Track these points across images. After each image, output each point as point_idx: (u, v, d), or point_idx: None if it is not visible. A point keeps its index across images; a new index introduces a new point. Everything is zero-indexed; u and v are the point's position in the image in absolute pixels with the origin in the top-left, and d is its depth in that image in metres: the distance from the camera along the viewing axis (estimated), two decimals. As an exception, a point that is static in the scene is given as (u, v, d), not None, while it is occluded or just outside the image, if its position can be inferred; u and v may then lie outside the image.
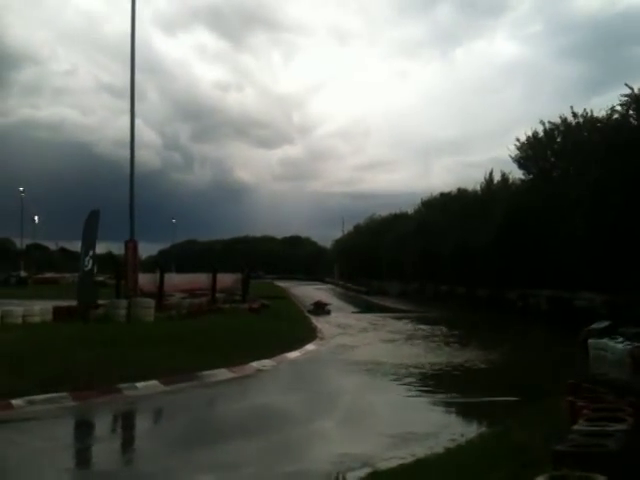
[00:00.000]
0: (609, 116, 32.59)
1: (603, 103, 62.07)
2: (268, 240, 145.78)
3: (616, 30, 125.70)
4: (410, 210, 69.93)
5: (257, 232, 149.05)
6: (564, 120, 36.39)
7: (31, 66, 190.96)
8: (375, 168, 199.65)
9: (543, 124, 37.63)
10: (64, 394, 12.27)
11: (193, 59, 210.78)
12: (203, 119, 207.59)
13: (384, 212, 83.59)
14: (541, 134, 38.05)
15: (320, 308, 39.52)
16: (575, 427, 6.62)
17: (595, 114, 34.29)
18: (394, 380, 16.35)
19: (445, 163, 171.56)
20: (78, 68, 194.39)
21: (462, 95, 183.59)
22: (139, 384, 13.63)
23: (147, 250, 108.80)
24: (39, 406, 11.68)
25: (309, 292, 58.88)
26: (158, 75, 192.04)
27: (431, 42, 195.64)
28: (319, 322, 32.44)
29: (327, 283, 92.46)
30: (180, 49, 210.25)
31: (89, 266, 24.89)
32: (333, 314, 38.95)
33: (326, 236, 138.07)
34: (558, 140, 37.25)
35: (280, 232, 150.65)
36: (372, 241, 74.36)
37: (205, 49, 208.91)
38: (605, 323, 22.28)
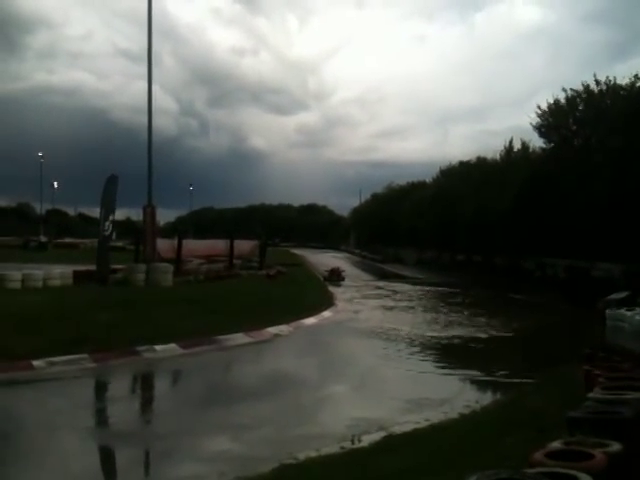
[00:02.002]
0: (632, 84, 32.02)
1: (627, 70, 60.97)
2: (285, 208, 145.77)
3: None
4: (428, 179, 69.62)
5: (274, 200, 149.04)
6: (586, 87, 35.73)
7: (45, 30, 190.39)
8: (392, 136, 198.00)
9: (565, 91, 37.00)
10: (84, 355, 12.46)
11: (208, 23, 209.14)
12: (218, 84, 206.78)
13: (401, 181, 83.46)
14: (563, 101, 37.42)
15: (335, 275, 39.62)
16: (591, 395, 6.63)
17: (618, 81, 33.74)
18: (409, 347, 16.43)
19: (463, 131, 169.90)
20: (93, 32, 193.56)
21: (482, 61, 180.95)
22: (158, 347, 13.80)
23: (165, 217, 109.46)
24: (59, 367, 11.86)
25: (325, 260, 59.00)
26: (173, 40, 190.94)
27: (450, 5, 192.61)
28: (335, 289, 32.60)
29: (343, 251, 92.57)
30: (195, 13, 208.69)
31: (109, 231, 25.04)
32: (349, 282, 39.06)
33: (342, 204, 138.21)
34: (580, 108, 36.64)
35: (297, 200, 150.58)
36: (389, 210, 74.12)
37: (220, 12, 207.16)
38: (623, 294, 22.16)
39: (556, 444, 4.76)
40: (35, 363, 11.74)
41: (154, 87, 28.09)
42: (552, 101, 38.05)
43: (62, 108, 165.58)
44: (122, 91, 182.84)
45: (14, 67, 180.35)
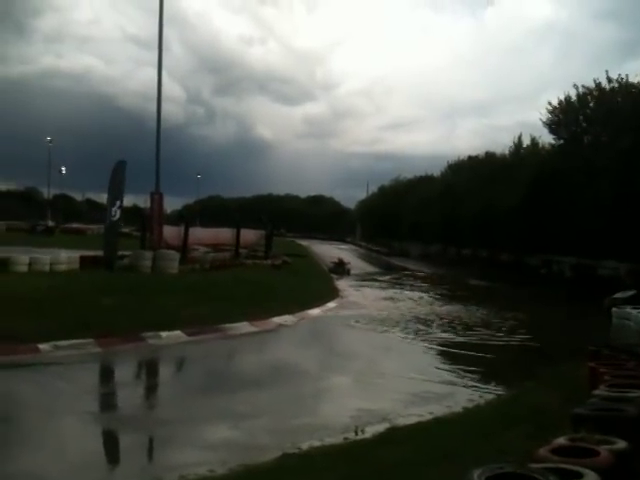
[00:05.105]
0: (644, 82, 31.80)
1: (638, 68, 60.50)
2: (291, 198, 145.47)
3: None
4: (435, 172, 69.47)
5: (280, 190, 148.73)
6: (598, 84, 35.50)
7: (53, 14, 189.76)
8: (399, 128, 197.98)
9: (576, 88, 36.78)
10: (89, 340, 12.51)
11: (216, 11, 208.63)
12: (226, 73, 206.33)
13: (408, 174, 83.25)
14: (574, 98, 37.21)
15: (341, 267, 39.54)
16: (596, 392, 6.61)
17: (630, 79, 33.53)
18: (414, 340, 16.45)
19: (471, 125, 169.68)
20: (102, 17, 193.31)
21: (491, 55, 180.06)
22: (163, 333, 13.86)
23: (171, 204, 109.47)
24: (65, 351, 11.91)
25: (331, 251, 58.92)
26: (181, 27, 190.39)
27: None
28: (340, 281, 32.61)
29: (348, 243, 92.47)
30: (204, 0, 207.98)
31: (116, 216, 24.95)
32: (354, 273, 39.02)
33: (349, 196, 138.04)
34: (591, 105, 36.44)
35: (303, 191, 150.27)
36: (395, 203, 74.00)
37: (228, 0, 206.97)
38: (630, 292, 22.10)
39: (561, 440, 4.76)
40: (41, 347, 11.79)
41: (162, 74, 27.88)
42: (563, 97, 37.90)
43: (70, 93, 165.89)
44: (130, 77, 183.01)
45: (22, 50, 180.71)
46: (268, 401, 9.80)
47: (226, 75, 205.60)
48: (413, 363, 13.66)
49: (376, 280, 36.13)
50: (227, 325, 15.58)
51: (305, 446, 7.28)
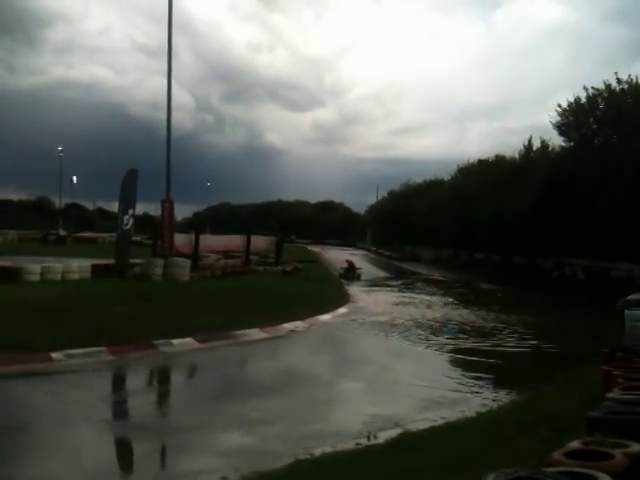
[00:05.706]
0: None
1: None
2: (301, 204, 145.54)
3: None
4: (446, 176, 69.30)
5: (290, 196, 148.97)
6: (608, 86, 35.36)
7: (63, 25, 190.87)
8: (409, 133, 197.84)
9: (586, 90, 36.62)
10: (102, 348, 12.57)
11: (225, 19, 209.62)
12: (235, 80, 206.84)
13: (418, 178, 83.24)
14: (584, 100, 37.05)
15: (351, 272, 39.48)
16: (610, 395, 6.56)
17: (640, 80, 33.40)
18: (425, 346, 16.38)
19: (481, 129, 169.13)
20: (111, 27, 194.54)
21: (500, 58, 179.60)
22: (175, 341, 13.90)
23: (182, 212, 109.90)
24: (77, 359, 11.97)
25: (341, 257, 58.61)
26: (190, 35, 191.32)
27: (469, 2, 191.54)
28: (351, 286, 32.57)
29: (359, 249, 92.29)
30: (212, 8, 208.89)
31: (128, 225, 24.99)
32: (365, 279, 38.95)
33: (359, 201, 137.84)
34: (601, 107, 36.28)
35: (313, 197, 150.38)
36: (406, 207, 73.90)
37: (237, 8, 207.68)
38: (643, 294, 21.91)
39: (575, 444, 4.72)
40: (54, 355, 11.85)
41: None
42: (573, 99, 37.75)
43: (80, 103, 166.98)
44: (139, 86, 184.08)
45: (33, 61, 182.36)
46: (280, 407, 9.80)
47: (235, 82, 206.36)
48: (424, 369, 13.64)
49: (387, 285, 36.10)
50: (238, 332, 15.61)
51: (318, 452, 7.26)
